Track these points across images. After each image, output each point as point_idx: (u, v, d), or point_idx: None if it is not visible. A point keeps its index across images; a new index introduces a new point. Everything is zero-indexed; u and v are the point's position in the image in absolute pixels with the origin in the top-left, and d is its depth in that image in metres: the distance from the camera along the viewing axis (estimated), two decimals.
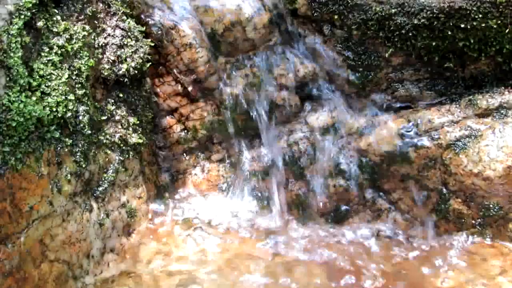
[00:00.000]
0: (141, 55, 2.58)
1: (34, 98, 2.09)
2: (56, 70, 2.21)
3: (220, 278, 2.51)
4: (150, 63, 2.64)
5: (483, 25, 2.55)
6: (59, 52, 2.23)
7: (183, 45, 2.68)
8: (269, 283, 2.47)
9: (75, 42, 2.31)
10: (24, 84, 2.05)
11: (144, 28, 2.62)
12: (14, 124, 2.00)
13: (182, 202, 2.88)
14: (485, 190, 2.61)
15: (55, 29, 2.24)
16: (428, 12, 2.57)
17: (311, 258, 2.61)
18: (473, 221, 2.67)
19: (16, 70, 2.02)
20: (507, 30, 2.54)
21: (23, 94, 2.04)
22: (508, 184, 2.57)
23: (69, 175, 2.27)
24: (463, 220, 2.69)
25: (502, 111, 2.63)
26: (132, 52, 2.56)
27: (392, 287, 2.45)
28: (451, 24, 2.57)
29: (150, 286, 2.45)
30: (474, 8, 2.52)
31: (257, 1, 2.79)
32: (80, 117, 2.33)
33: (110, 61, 2.51)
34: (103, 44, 2.49)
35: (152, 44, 2.64)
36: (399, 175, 2.75)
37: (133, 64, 2.55)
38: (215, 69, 2.77)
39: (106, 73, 2.50)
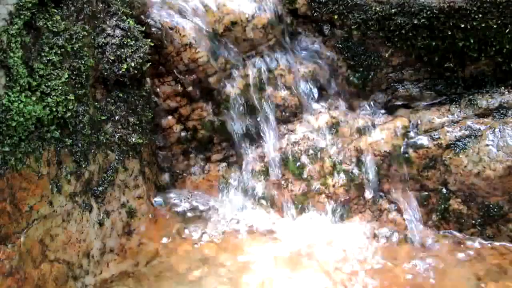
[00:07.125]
0: (141, 55, 2.58)
1: (34, 98, 2.09)
2: (56, 70, 2.21)
3: (219, 277, 2.51)
4: (150, 63, 2.64)
5: (483, 25, 2.55)
6: (59, 52, 2.23)
7: (183, 45, 2.68)
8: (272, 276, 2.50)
9: (75, 42, 2.30)
10: (24, 84, 2.05)
11: (144, 28, 2.62)
12: (14, 124, 1.99)
13: (182, 202, 2.88)
14: (485, 190, 2.61)
15: (55, 29, 2.23)
16: (428, 12, 2.57)
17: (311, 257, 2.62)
18: (473, 221, 2.67)
19: (16, 70, 2.02)
20: (507, 30, 2.54)
21: (23, 94, 2.04)
22: (508, 184, 2.57)
23: (69, 175, 2.27)
24: (463, 220, 2.69)
25: (502, 111, 2.63)
26: (132, 52, 2.55)
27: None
28: (451, 24, 2.57)
29: (150, 286, 2.45)
30: (474, 8, 2.52)
31: (257, 1, 2.79)
32: (80, 117, 2.33)
33: (110, 61, 2.51)
34: (103, 44, 2.49)
35: (152, 44, 2.64)
36: (399, 175, 2.75)
37: (133, 64, 2.55)
38: (215, 69, 2.77)
39: (106, 73, 2.50)
